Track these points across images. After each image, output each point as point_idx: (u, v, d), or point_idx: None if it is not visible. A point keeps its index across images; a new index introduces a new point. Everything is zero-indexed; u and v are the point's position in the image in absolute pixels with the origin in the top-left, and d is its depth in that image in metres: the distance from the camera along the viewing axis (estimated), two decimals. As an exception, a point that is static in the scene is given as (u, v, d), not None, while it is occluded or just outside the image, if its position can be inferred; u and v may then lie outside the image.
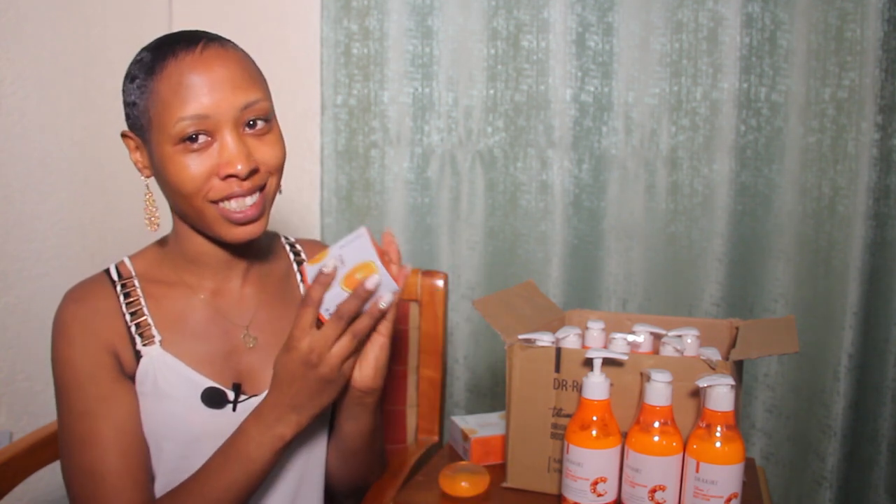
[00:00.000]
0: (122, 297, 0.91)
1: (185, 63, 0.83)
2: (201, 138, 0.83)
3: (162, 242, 0.98)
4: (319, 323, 0.84)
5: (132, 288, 0.92)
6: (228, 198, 0.86)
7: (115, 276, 0.93)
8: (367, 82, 1.56)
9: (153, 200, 0.93)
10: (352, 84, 1.56)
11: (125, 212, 1.50)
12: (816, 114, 1.46)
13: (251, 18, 1.56)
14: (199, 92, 0.82)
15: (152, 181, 0.91)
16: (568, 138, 1.52)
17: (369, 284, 0.81)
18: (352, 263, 0.84)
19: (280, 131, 0.91)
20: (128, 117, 0.89)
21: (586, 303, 1.56)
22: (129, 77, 0.87)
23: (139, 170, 0.91)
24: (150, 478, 0.90)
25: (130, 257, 0.96)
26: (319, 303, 0.82)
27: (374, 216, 1.59)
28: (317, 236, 1.61)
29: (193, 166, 0.84)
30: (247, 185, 0.85)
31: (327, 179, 1.59)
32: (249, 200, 0.86)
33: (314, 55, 1.56)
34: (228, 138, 0.84)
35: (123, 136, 0.91)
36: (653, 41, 1.49)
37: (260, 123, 0.87)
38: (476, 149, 1.56)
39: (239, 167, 0.83)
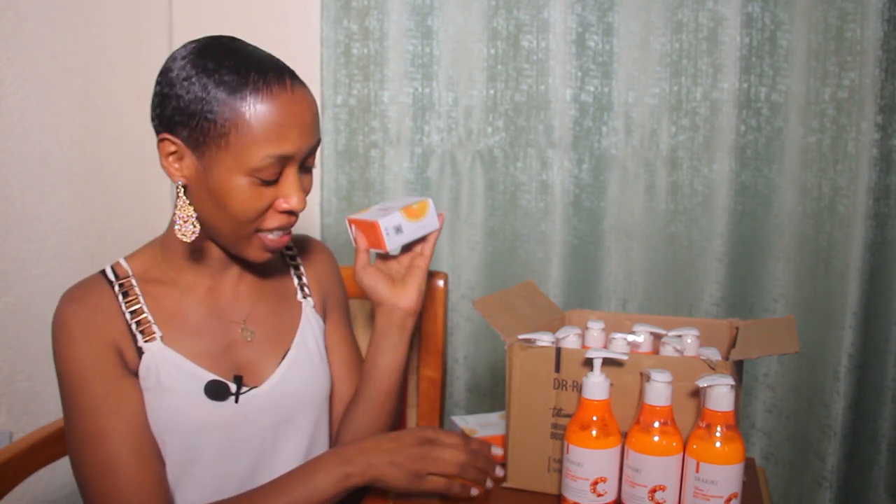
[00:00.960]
0: (120, 297, 0.92)
1: (280, 100, 0.84)
2: (275, 174, 0.86)
3: (157, 242, 0.98)
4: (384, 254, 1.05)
5: (130, 287, 0.93)
6: (276, 229, 0.90)
7: (111, 276, 0.93)
8: (367, 82, 1.56)
9: (191, 210, 0.88)
10: (352, 84, 1.56)
11: (125, 212, 1.50)
12: (816, 114, 1.46)
13: (251, 18, 1.56)
14: (292, 134, 0.85)
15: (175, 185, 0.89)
16: (568, 138, 1.52)
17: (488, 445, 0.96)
18: (404, 202, 1.03)
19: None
20: (182, 123, 0.84)
21: (586, 303, 1.56)
22: (198, 83, 0.83)
23: (169, 173, 0.87)
24: (164, 469, 0.91)
25: (126, 258, 0.96)
26: None
27: (374, 216, 1.59)
28: (317, 236, 1.61)
29: (259, 198, 0.86)
30: (294, 219, 0.91)
31: (327, 179, 1.59)
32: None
33: (314, 55, 1.56)
34: (293, 176, 0.88)
35: (164, 139, 0.86)
36: (653, 41, 1.49)
37: (313, 164, 0.92)
38: (476, 149, 1.56)
39: (296, 203, 0.88)
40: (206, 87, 0.83)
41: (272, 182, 0.87)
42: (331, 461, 0.89)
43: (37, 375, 1.31)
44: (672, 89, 1.50)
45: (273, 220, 0.89)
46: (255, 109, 0.83)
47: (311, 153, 0.90)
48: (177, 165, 0.87)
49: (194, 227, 0.88)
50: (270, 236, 0.90)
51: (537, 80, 1.52)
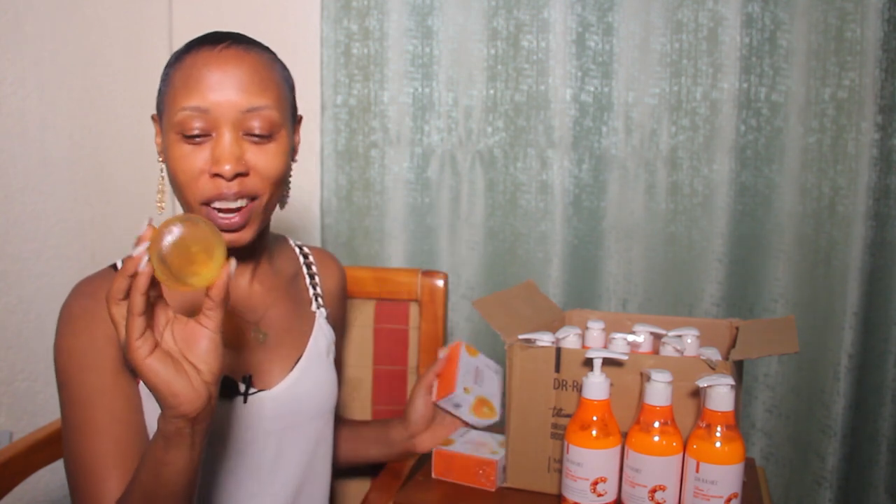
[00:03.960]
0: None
1: (201, 57, 0.85)
2: (199, 132, 0.84)
3: None
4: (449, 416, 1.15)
5: None
6: (216, 199, 0.85)
7: None
8: (367, 82, 1.56)
9: (164, 185, 0.94)
10: (352, 84, 1.56)
11: (125, 212, 1.50)
12: (816, 114, 1.46)
13: (251, 18, 1.56)
14: (206, 86, 0.84)
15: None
16: (568, 138, 1.52)
17: (140, 266, 0.67)
18: (482, 392, 1.14)
19: (287, 145, 0.90)
20: (156, 103, 0.92)
21: (586, 303, 1.56)
22: (165, 66, 0.90)
23: (158, 153, 0.93)
24: None
25: None
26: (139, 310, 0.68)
27: (374, 216, 1.59)
28: (317, 236, 1.61)
29: (188, 157, 0.85)
30: (233, 186, 0.85)
31: (327, 179, 1.59)
32: (233, 204, 0.85)
33: (314, 55, 1.56)
34: (224, 137, 0.84)
35: (153, 118, 0.93)
36: (653, 41, 1.49)
37: (262, 131, 0.86)
38: (476, 149, 1.56)
39: (227, 167, 0.83)
40: (167, 65, 0.90)
41: (198, 143, 0.84)
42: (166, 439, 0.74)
43: (37, 375, 1.31)
44: (672, 89, 1.50)
45: (206, 186, 0.85)
46: (181, 67, 0.86)
47: (249, 116, 0.84)
48: (159, 143, 0.92)
49: (161, 201, 0.94)
50: (218, 214, 0.85)
51: (537, 80, 1.52)
